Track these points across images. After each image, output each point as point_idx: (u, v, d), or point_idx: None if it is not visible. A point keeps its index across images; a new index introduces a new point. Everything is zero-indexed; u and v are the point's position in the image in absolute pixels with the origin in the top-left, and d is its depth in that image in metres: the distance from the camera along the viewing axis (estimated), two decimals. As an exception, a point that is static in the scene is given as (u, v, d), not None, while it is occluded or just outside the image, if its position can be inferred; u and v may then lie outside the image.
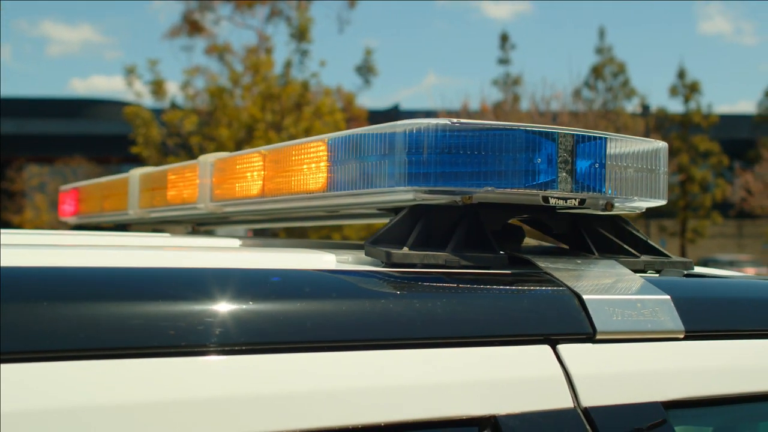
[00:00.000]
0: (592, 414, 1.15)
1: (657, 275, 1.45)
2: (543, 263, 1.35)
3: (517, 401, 1.12)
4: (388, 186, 1.31)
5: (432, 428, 1.07)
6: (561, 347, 1.19)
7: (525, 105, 22.14)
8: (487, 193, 1.30)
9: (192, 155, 20.43)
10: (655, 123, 27.25)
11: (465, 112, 21.91)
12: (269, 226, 2.34)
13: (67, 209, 2.70)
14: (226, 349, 1.00)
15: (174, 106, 21.59)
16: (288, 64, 21.53)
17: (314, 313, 1.08)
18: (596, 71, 28.82)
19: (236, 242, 1.64)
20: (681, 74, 30.29)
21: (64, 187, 2.77)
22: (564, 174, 1.33)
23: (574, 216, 1.50)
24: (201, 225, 2.52)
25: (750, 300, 1.45)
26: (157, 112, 21.40)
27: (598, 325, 1.21)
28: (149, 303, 1.00)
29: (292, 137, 19.45)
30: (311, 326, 1.06)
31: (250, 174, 1.65)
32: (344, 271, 1.24)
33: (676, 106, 31.69)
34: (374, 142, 1.33)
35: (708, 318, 1.34)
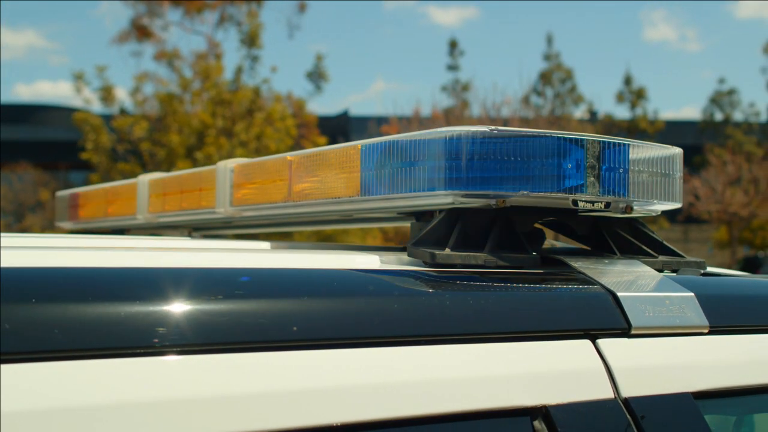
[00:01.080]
0: (631, 404, 1.22)
1: (675, 274, 1.53)
2: (574, 263, 1.42)
3: (564, 392, 1.19)
4: (427, 190, 1.37)
5: (489, 417, 1.14)
6: (600, 341, 1.26)
7: (476, 111, 22.31)
8: (521, 196, 1.37)
9: (142, 161, 20.32)
10: (603, 129, 27.62)
11: (417, 119, 22.05)
12: (284, 230, 2.39)
13: (65, 214, 2.73)
14: (319, 343, 1.06)
15: (123, 112, 21.43)
16: (239, 70, 21.50)
17: (382, 310, 1.14)
18: (544, 77, 29.20)
19: (267, 245, 1.69)
20: (627, 80, 30.77)
21: (60, 193, 2.80)
22: (591, 178, 1.41)
23: (596, 218, 1.57)
24: (197, 230, 2.56)
25: (765, 297, 1.55)
26: (107, 118, 21.23)
27: (633, 321, 1.29)
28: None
29: (243, 143, 19.44)
30: (380, 322, 1.13)
31: (275, 179, 1.71)
32: (397, 271, 1.31)
33: (622, 112, 32.12)
34: (412, 148, 1.39)
35: (729, 314, 1.43)
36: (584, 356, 1.24)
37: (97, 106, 22.22)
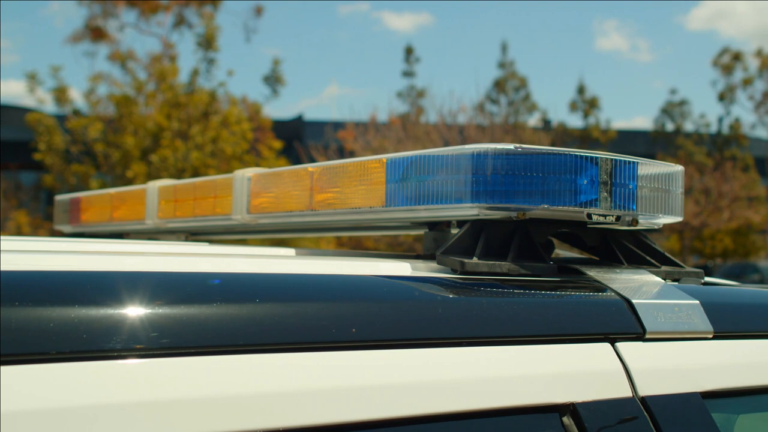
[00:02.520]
0: (648, 402, 1.33)
1: (677, 283, 1.64)
2: (589, 272, 1.54)
3: (589, 391, 1.30)
4: (454, 202, 1.47)
5: (522, 414, 1.24)
6: (619, 345, 1.37)
7: (432, 117, 22.50)
8: (540, 209, 1.47)
9: (96, 163, 20.18)
10: (556, 137, 27.96)
11: (373, 124, 22.17)
12: (296, 236, 2.47)
13: (64, 218, 2.79)
14: (372, 344, 1.16)
15: (77, 113, 21.24)
16: (194, 73, 21.43)
17: (427, 313, 1.25)
18: (499, 85, 29.51)
19: (292, 252, 1.78)
20: (581, 90, 31.16)
21: (60, 197, 2.86)
22: (604, 194, 1.51)
23: (603, 231, 1.68)
24: (195, 235, 2.63)
25: (763, 306, 1.67)
26: (60, 119, 21.04)
27: (647, 326, 1.41)
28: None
29: (198, 146, 19.38)
30: (425, 325, 1.23)
31: (295, 189, 1.79)
32: (433, 278, 1.41)
33: (575, 121, 32.47)
34: (439, 162, 1.49)
35: (731, 320, 1.55)
36: (605, 358, 1.35)
37: (50, 107, 22.05)
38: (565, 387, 1.28)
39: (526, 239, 1.54)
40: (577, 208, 1.49)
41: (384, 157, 1.60)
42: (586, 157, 1.50)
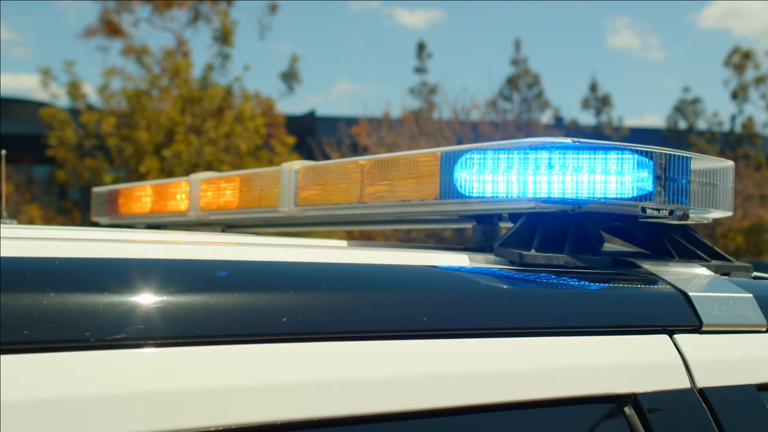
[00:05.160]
0: (705, 393, 1.35)
1: (728, 277, 1.66)
2: (643, 264, 1.55)
3: (649, 381, 1.31)
4: (510, 196, 1.49)
5: (588, 403, 1.26)
6: (677, 336, 1.39)
7: (445, 114, 22.46)
8: (595, 203, 1.49)
9: (110, 157, 20.24)
10: (569, 135, 27.75)
11: (387, 120, 22.14)
12: (341, 228, 2.49)
13: (102, 210, 2.81)
14: (435, 333, 1.18)
15: (90, 107, 21.28)
16: (208, 68, 21.46)
17: (494, 303, 1.27)
18: (512, 82, 29.45)
19: (344, 243, 1.80)
20: (593, 87, 31.12)
21: (97, 189, 2.88)
22: (659, 188, 1.53)
23: (654, 225, 1.70)
24: (230, 227, 2.65)
25: None
26: (73, 113, 21.09)
27: (704, 318, 1.42)
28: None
29: (212, 141, 19.42)
30: (493, 315, 1.25)
31: (344, 181, 1.81)
32: (493, 270, 1.43)
33: (587, 119, 32.37)
34: (495, 155, 1.51)
35: None
36: (664, 350, 1.37)
37: (63, 101, 22.08)
38: (626, 377, 1.30)
39: (581, 232, 1.56)
40: (632, 202, 1.51)
41: (438, 150, 1.61)
42: (642, 151, 1.51)
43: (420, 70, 32.30)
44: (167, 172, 18.68)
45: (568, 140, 1.47)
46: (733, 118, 32.62)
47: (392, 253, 1.45)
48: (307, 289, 1.13)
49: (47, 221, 23.53)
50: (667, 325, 1.40)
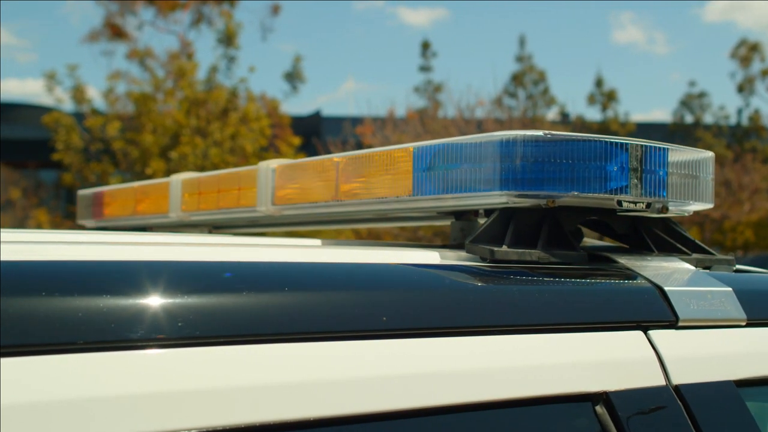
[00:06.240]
0: (681, 390, 1.32)
1: (709, 271, 1.62)
2: (619, 259, 1.52)
3: (622, 379, 1.28)
4: (483, 190, 1.45)
5: (556, 403, 1.23)
6: (651, 333, 1.36)
7: (450, 112, 22.44)
8: (570, 197, 1.45)
9: (115, 161, 20.25)
10: (575, 131, 27.64)
11: (391, 119, 22.13)
12: (319, 229, 2.47)
13: (87, 213, 2.79)
14: (394, 333, 1.15)
15: (95, 111, 21.29)
16: (213, 70, 21.45)
17: (457, 302, 1.23)
18: (517, 79, 29.37)
19: (317, 242, 1.76)
20: (598, 82, 30.95)
21: (82, 192, 2.86)
22: (634, 180, 1.50)
23: (632, 218, 1.66)
24: (218, 228, 2.63)
25: None
26: (78, 117, 21.10)
27: (680, 313, 1.39)
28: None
29: (217, 143, 19.41)
30: (456, 314, 1.22)
31: (320, 179, 1.78)
32: (463, 266, 1.39)
33: (594, 114, 32.26)
34: (467, 150, 1.48)
35: (765, 307, 1.52)
36: (638, 346, 1.33)
37: (68, 105, 22.10)
38: (597, 375, 1.26)
39: (556, 227, 1.53)
40: (607, 195, 1.47)
41: (411, 145, 1.58)
42: (616, 143, 1.48)
43: (425, 69, 32.26)
44: (173, 174, 18.66)
45: (540, 133, 1.44)
46: (739, 112, 32.50)
47: (361, 252, 1.42)
48: (251, 291, 1.10)
49: (55, 226, 23.56)
50: (641, 321, 1.37)
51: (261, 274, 1.16)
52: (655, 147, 1.52)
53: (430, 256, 1.44)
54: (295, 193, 1.87)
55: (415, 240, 19.68)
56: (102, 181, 20.00)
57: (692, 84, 37.85)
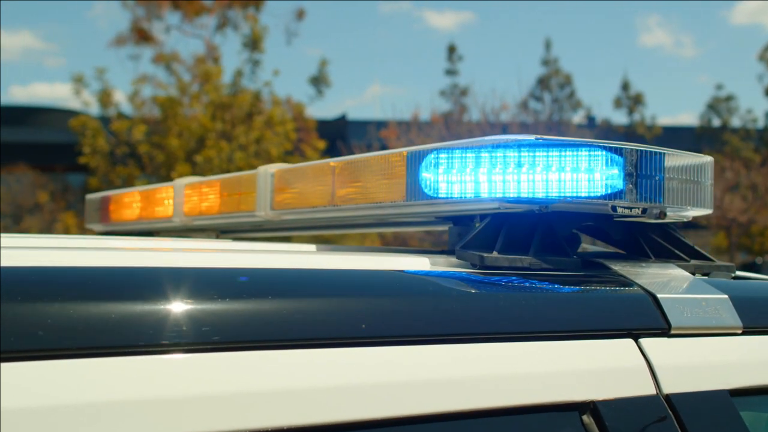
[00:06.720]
0: (672, 400, 1.29)
1: (707, 278, 1.60)
2: (613, 266, 1.49)
3: (610, 388, 1.26)
4: (474, 196, 1.44)
5: (541, 412, 1.21)
6: (642, 341, 1.33)
7: (475, 116, 22.42)
8: (563, 202, 1.43)
9: (141, 165, 20.34)
10: (601, 134, 27.69)
11: (416, 123, 22.13)
12: (319, 233, 2.46)
13: (95, 217, 2.79)
14: (375, 340, 1.13)
15: (121, 115, 21.40)
16: (238, 74, 21.51)
17: (442, 310, 1.21)
18: (543, 82, 29.31)
19: (312, 248, 1.75)
20: (625, 86, 30.89)
21: (90, 196, 2.86)
22: (630, 186, 1.47)
23: (630, 224, 1.64)
24: (224, 232, 2.62)
25: None
26: (104, 121, 21.21)
27: (672, 321, 1.36)
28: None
29: (242, 147, 19.47)
30: (441, 322, 1.20)
31: (317, 184, 1.77)
32: (450, 273, 1.37)
33: (620, 118, 32.05)
34: (460, 155, 1.46)
35: (761, 315, 1.50)
36: (628, 355, 1.31)
37: (94, 109, 22.21)
38: (585, 384, 1.24)
39: (549, 233, 1.51)
40: (601, 201, 1.45)
41: (405, 150, 1.56)
42: (610, 148, 1.46)
43: (450, 72, 32.25)
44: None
45: (533, 137, 1.42)
46: (767, 115, 32.24)
47: (352, 258, 1.40)
48: (239, 298, 1.09)
49: (82, 229, 23.69)
50: (632, 329, 1.34)
51: (258, 281, 1.15)
52: (651, 152, 1.50)
53: (419, 262, 1.42)
54: (293, 198, 1.86)
55: (440, 244, 19.63)
56: (128, 184, 20.09)
57: (719, 87, 37.59)
